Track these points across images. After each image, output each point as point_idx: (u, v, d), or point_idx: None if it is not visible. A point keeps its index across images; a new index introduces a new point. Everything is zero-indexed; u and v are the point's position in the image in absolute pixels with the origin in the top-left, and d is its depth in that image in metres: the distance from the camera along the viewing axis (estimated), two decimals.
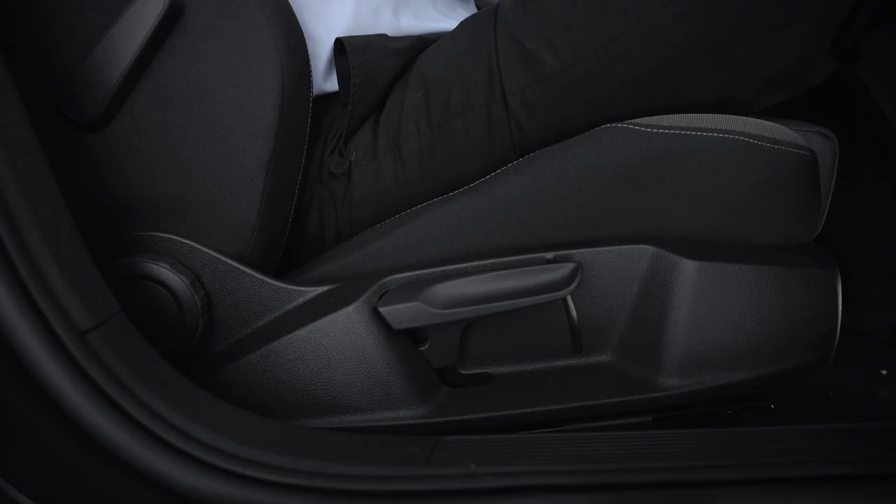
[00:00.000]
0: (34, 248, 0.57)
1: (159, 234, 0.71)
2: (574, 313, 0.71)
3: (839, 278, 0.74)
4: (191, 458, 0.57)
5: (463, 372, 0.75)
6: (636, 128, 0.69)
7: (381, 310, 0.69)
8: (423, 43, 0.82)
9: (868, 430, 0.61)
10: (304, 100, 0.74)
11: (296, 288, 0.72)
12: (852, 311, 1.02)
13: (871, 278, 0.99)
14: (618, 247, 0.71)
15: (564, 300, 0.71)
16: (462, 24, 0.80)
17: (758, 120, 0.72)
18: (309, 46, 0.77)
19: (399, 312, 0.69)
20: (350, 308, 0.69)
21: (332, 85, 0.81)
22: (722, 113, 0.72)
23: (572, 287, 0.69)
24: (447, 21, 0.88)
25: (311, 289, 0.72)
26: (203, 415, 0.60)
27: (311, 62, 0.78)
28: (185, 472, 0.57)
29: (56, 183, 0.62)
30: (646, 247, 0.71)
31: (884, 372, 0.98)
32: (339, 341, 0.69)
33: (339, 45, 0.78)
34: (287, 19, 0.72)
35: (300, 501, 0.56)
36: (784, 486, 0.55)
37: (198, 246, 0.71)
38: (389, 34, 0.82)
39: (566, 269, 0.69)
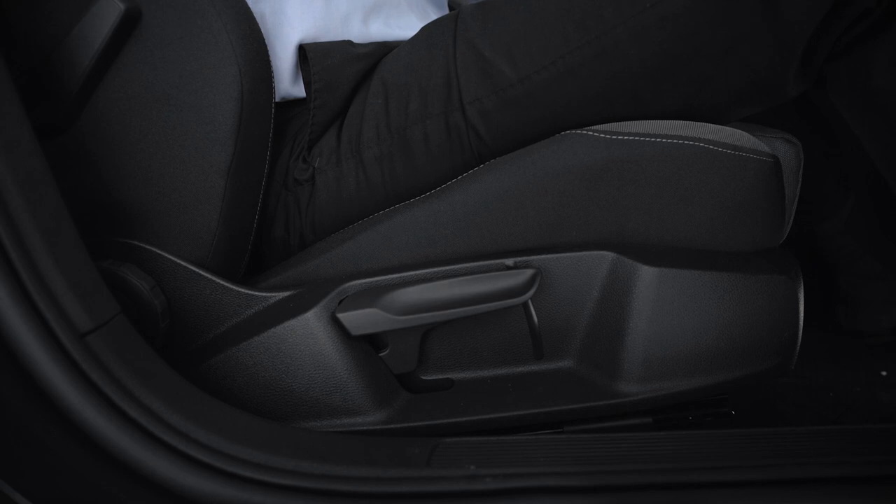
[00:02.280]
0: (34, 250, 0.57)
1: (120, 239, 0.71)
2: (535, 319, 0.71)
3: (801, 284, 0.73)
4: (192, 460, 0.58)
5: (423, 378, 0.74)
6: (595, 134, 0.69)
7: (339, 316, 0.69)
8: (386, 48, 0.81)
9: (868, 432, 0.61)
10: (266, 106, 0.74)
11: (257, 293, 0.72)
12: (852, 314, 1.02)
13: (870, 280, 0.99)
14: (578, 253, 0.71)
15: (525, 306, 0.71)
16: (423, 29, 0.80)
17: (720, 126, 0.72)
18: (276, 52, 0.77)
19: (357, 318, 0.69)
20: (309, 314, 0.69)
21: (300, 91, 0.80)
22: None
23: (531, 293, 0.69)
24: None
25: (272, 294, 0.72)
26: (204, 417, 0.60)
27: (279, 68, 0.78)
28: (186, 475, 0.57)
29: (56, 184, 0.61)
30: (605, 253, 0.70)
31: (884, 373, 0.98)
32: (298, 347, 0.69)
33: (304, 51, 0.78)
34: (246, 26, 0.72)
35: (301, 503, 0.56)
36: (784, 488, 0.55)
37: (158, 251, 0.71)
38: (358, 41, 0.82)
39: (525, 275, 0.69)
